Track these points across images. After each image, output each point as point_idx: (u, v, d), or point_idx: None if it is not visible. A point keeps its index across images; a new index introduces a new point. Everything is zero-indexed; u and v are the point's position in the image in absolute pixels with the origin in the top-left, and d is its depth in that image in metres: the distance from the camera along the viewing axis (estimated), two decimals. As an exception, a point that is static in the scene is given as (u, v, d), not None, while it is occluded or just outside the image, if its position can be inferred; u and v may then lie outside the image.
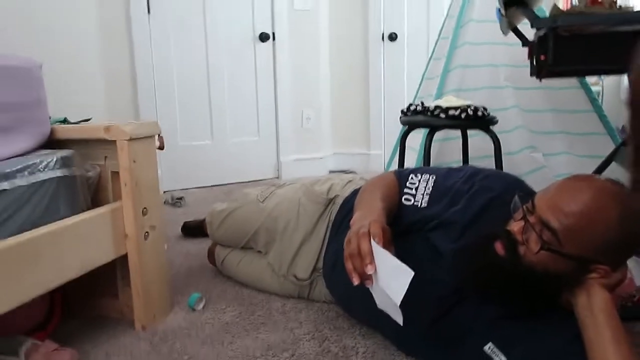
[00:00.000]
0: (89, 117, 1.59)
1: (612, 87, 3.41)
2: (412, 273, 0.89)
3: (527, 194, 1.02)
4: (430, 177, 1.23)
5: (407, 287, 0.89)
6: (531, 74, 1.64)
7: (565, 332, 0.94)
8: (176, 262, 1.88)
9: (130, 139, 1.32)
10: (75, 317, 1.45)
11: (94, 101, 2.82)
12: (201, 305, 1.51)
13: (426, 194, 1.20)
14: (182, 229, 2.21)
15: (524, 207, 0.97)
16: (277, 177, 3.53)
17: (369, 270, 0.94)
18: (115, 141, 1.32)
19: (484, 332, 1.03)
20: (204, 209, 2.61)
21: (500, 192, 1.12)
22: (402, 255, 1.17)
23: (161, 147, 2.52)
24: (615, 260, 0.92)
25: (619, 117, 3.18)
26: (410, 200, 1.22)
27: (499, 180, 1.17)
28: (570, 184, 0.94)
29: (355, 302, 1.34)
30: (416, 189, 1.22)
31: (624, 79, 3.15)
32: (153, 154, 1.42)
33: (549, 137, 2.44)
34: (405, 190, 1.23)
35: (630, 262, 1.48)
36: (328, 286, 1.43)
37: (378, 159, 3.68)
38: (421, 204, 1.20)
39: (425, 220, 1.17)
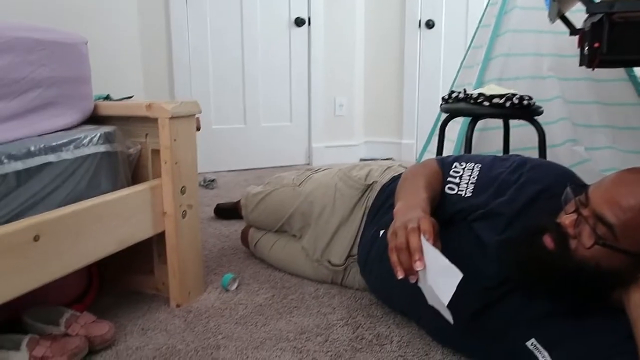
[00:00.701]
0: (131, 95, 1.59)
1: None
2: (461, 275, 0.86)
3: (580, 186, 0.98)
4: (476, 166, 1.19)
5: (455, 287, 0.86)
6: (581, 64, 1.57)
7: (616, 332, 0.90)
8: (209, 243, 1.89)
9: (172, 117, 1.31)
10: (111, 292, 1.47)
11: (132, 81, 2.84)
12: (234, 286, 1.51)
13: (471, 183, 1.16)
14: (215, 210, 2.22)
15: (577, 199, 0.93)
16: (308, 164, 3.52)
17: (418, 267, 0.91)
18: (156, 119, 1.32)
19: (528, 327, 0.99)
20: (236, 192, 2.62)
21: (549, 184, 1.08)
22: (445, 245, 1.14)
23: (198, 128, 2.53)
24: None
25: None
26: (454, 189, 1.18)
27: (548, 172, 1.12)
28: (629, 177, 0.89)
29: (391, 290, 1.32)
30: (460, 177, 1.19)
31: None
32: (193, 134, 1.41)
33: (593, 130, 2.36)
34: (449, 179, 1.19)
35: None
36: (362, 273, 1.41)
37: (410, 149, 3.64)
38: (465, 193, 1.16)
39: (469, 209, 1.13)
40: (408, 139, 3.66)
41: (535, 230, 0.96)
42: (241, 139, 3.32)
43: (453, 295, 0.88)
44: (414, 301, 1.23)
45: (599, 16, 1.44)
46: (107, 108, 1.40)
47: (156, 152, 1.36)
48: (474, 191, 1.15)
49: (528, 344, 0.99)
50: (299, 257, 1.55)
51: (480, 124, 2.18)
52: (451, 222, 1.15)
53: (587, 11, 1.43)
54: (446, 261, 0.89)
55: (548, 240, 0.93)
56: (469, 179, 1.17)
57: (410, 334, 1.26)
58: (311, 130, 3.51)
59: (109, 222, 1.20)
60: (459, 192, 1.17)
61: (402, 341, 1.23)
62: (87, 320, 1.19)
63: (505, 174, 1.14)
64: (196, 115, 1.45)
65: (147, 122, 1.35)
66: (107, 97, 1.49)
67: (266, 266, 1.67)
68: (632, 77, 2.34)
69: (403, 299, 1.28)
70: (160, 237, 1.38)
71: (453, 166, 1.22)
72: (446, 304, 0.88)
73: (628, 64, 2.04)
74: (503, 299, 1.04)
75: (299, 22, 3.34)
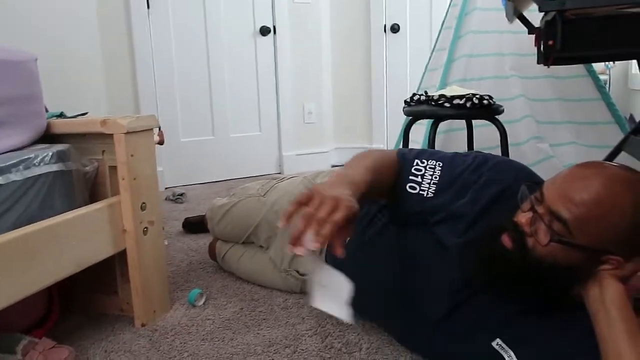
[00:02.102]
0: (85, 112, 1.55)
1: (619, 75, 3.36)
2: (350, 286, 0.86)
3: (535, 183, 0.97)
4: (437, 164, 1.14)
5: (346, 298, 0.86)
6: (538, 62, 1.59)
7: (578, 329, 0.90)
8: (177, 258, 1.85)
9: (128, 133, 1.29)
10: (74, 314, 1.43)
11: (95, 97, 2.79)
12: (202, 301, 1.48)
13: (433, 183, 1.11)
14: (183, 225, 2.18)
15: (532, 197, 0.93)
16: (279, 173, 3.50)
17: (312, 246, 0.82)
18: (112, 135, 1.29)
19: (494, 327, 1.00)
20: (206, 205, 2.58)
21: (509, 182, 1.08)
22: (407, 250, 1.14)
23: (161, 142, 2.50)
24: (628, 251, 0.87)
25: (627, 105, 3.14)
26: (415, 188, 1.12)
27: (509, 170, 1.11)
28: (580, 172, 0.89)
29: (357, 298, 1.31)
30: (422, 176, 1.12)
31: (633, 65, 3.10)
32: (151, 148, 1.39)
33: (556, 127, 2.39)
34: (411, 177, 1.12)
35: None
36: None
37: (382, 153, 3.64)
38: (427, 193, 1.11)
39: (431, 211, 1.12)
40: (378, 143, 3.67)
41: (494, 230, 0.96)
42: (211, 150, 3.29)
43: (413, 294, 0.87)
44: (380, 308, 1.23)
45: (552, 14, 1.46)
46: (61, 126, 1.37)
47: (114, 169, 1.33)
48: (436, 191, 1.11)
49: (494, 344, 0.99)
50: (267, 268, 1.53)
51: (445, 125, 2.20)
52: (412, 224, 1.15)
53: (540, 10, 1.45)
54: (338, 273, 0.89)
55: (506, 240, 0.93)
56: (431, 179, 1.12)
57: (380, 340, 1.25)
58: (281, 139, 3.49)
59: (66, 242, 1.17)
60: (421, 192, 1.11)
61: (371, 348, 1.22)
62: (45, 347, 1.15)
63: (466, 173, 1.13)
64: (159, 129, 1.42)
65: (104, 138, 1.32)
66: (61, 115, 1.45)
67: (235, 279, 1.64)
68: (591, 73, 2.39)
69: (369, 307, 1.26)
70: (122, 256, 1.35)
71: (415, 163, 1.14)
72: (345, 318, 0.86)
73: (583, 61, 2.08)
74: (468, 302, 1.03)
75: (264, 31, 3.33)
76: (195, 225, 2.13)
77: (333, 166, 3.68)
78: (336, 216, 0.82)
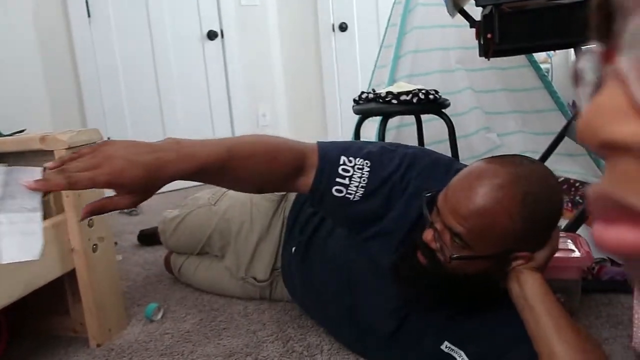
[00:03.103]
0: (22, 129, 1.50)
1: (561, 64, 3.48)
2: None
3: (433, 195, 0.94)
4: (365, 164, 1.01)
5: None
6: (480, 54, 1.63)
7: (514, 322, 0.91)
8: (133, 272, 1.81)
9: (69, 148, 1.24)
10: (25, 338, 1.38)
11: (38, 113, 2.69)
12: (159, 316, 1.45)
13: (361, 186, 1.00)
14: (138, 237, 2.13)
15: (433, 212, 0.91)
16: (237, 177, 3.46)
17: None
18: (52, 152, 1.25)
19: (439, 332, 1.02)
20: (157, 216, 2.53)
21: (435, 193, 1.01)
22: (347, 266, 1.13)
23: (109, 155, 2.42)
24: (533, 243, 0.88)
25: (569, 93, 3.25)
26: (342, 191, 1.00)
27: (434, 178, 1.03)
28: (464, 183, 0.87)
29: (310, 306, 1.32)
30: (350, 178, 1.00)
31: (572, 54, 3.21)
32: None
33: (503, 117, 2.45)
34: (338, 179, 0.99)
35: (588, 236, 1.49)
36: (286, 286, 1.39)
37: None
38: (354, 197, 1.00)
39: (359, 218, 1.04)
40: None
41: (411, 247, 0.95)
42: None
43: (360, 311, 0.86)
44: (329, 319, 1.23)
45: (489, 8, 1.50)
46: (-3, 145, 1.31)
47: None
48: (362, 196, 1.01)
49: (443, 347, 1.02)
50: (224, 277, 1.51)
51: (395, 121, 2.22)
52: (344, 233, 1.15)
53: (477, 4, 1.48)
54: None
55: (420, 257, 0.93)
56: (359, 182, 1.00)
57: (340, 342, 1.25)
58: (236, 144, 3.45)
59: (10, 265, 1.12)
60: (347, 196, 1.00)
61: (333, 349, 1.22)
62: (-7, 376, 1.10)
63: (395, 177, 1.02)
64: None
65: (44, 155, 1.27)
66: (-3, 134, 1.39)
67: (193, 290, 1.62)
68: (533, 63, 2.46)
69: (319, 316, 1.27)
70: (72, 275, 1.30)
71: (341, 162, 1.00)
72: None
73: (521, 52, 2.13)
74: (411, 315, 1.05)
75: (212, 35, 3.29)
76: (150, 238, 2.08)
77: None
78: (82, 176, 0.70)
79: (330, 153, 1.00)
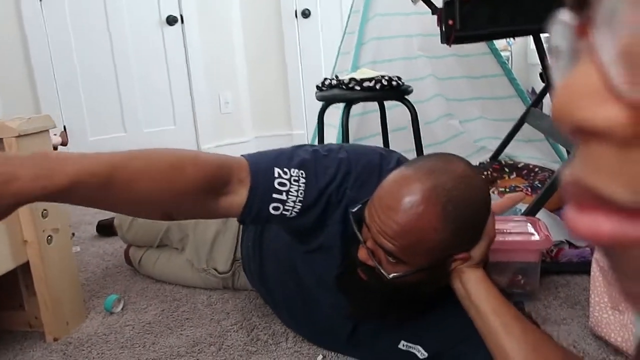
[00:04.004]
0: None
1: (520, 52, 3.54)
2: None
3: (360, 212, 0.90)
4: (300, 174, 0.92)
5: None
6: (441, 41, 1.64)
7: (463, 316, 0.91)
8: (91, 264, 1.76)
9: (19, 136, 1.19)
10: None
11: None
12: (120, 307, 1.41)
13: (298, 201, 0.92)
14: (97, 228, 2.07)
15: (363, 230, 0.89)
16: (200, 166, 3.40)
17: None
18: (1, 140, 1.19)
19: (393, 334, 1.03)
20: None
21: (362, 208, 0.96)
22: (298, 274, 1.11)
23: (64, 143, 2.35)
24: (467, 244, 0.88)
25: (528, 80, 3.32)
26: (279, 208, 0.91)
27: (368, 187, 0.95)
28: (384, 202, 0.84)
29: (269, 303, 1.31)
30: (287, 193, 0.91)
31: (532, 41, 3.27)
32: (49, 149, 1.29)
33: (465, 104, 2.49)
34: (275, 195, 0.90)
35: (547, 219, 1.53)
36: (247, 278, 1.37)
37: (302, 139, 3.64)
38: (291, 213, 0.92)
39: (298, 234, 1.01)
40: (298, 129, 3.66)
41: (351, 264, 0.93)
42: (123, 148, 3.11)
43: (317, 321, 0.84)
44: (290, 319, 1.23)
45: (450, -5, 1.50)
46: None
47: (7, 176, 1.23)
48: (299, 211, 0.93)
49: (400, 346, 1.03)
50: (185, 269, 1.49)
51: (359, 107, 2.22)
52: (282, 247, 1.12)
53: (438, -9, 1.49)
54: None
55: (361, 274, 0.92)
56: (297, 195, 0.91)
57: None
58: (198, 132, 3.40)
59: (-42, 260, 1.07)
60: (284, 213, 0.92)
61: (298, 337, 1.21)
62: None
63: (331, 188, 0.95)
64: (64, 129, 1.33)
65: (-6, 143, 1.21)
66: (-59, 121, 1.32)
67: (154, 281, 1.58)
68: (493, 50, 2.49)
69: (282, 315, 1.26)
70: (25, 268, 1.25)
71: (275, 174, 0.90)
72: None
73: (482, 39, 2.16)
74: (362, 321, 1.05)
75: (171, 20, 3.20)
76: (109, 228, 2.02)
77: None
78: None
79: (261, 165, 0.90)
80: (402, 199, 0.82)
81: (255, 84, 3.62)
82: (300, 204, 0.91)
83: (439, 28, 1.66)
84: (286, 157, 0.93)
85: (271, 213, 0.91)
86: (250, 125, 3.66)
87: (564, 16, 0.23)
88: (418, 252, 0.84)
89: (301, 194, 0.91)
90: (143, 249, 1.59)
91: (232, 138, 3.53)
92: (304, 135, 3.64)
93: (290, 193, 0.90)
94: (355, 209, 0.91)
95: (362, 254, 0.89)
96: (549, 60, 0.26)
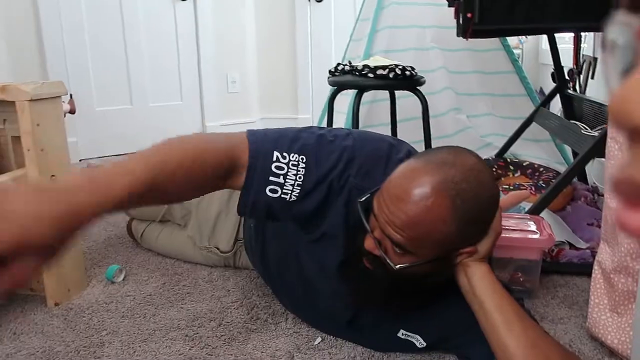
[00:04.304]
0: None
1: (531, 51, 3.52)
2: None
3: (368, 201, 0.90)
4: (300, 159, 0.92)
5: None
6: (457, 34, 1.63)
7: (464, 308, 0.92)
8: (93, 233, 1.76)
9: (32, 100, 1.19)
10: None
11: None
12: (121, 277, 1.42)
13: (297, 185, 0.92)
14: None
15: (370, 219, 0.89)
16: (203, 143, 3.40)
17: None
18: (14, 103, 1.19)
19: (393, 323, 1.04)
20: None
21: (374, 190, 0.95)
22: (300, 260, 1.11)
23: (72, 111, 2.35)
24: (474, 238, 0.88)
25: (537, 80, 3.31)
26: (277, 191, 0.91)
27: (373, 175, 0.97)
28: (394, 193, 0.84)
29: (270, 285, 1.31)
30: (285, 176, 0.91)
31: (543, 41, 3.25)
32: (59, 117, 1.29)
33: (474, 99, 2.48)
34: (271, 178, 0.90)
35: (549, 219, 1.54)
36: (249, 259, 1.38)
37: (307, 123, 3.63)
38: (290, 197, 0.92)
39: (301, 221, 0.99)
40: (304, 113, 3.65)
41: (356, 253, 0.93)
42: (129, 120, 3.13)
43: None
44: (293, 304, 1.23)
45: (471, -13, 1.49)
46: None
47: (17, 139, 1.23)
48: (299, 195, 0.93)
49: (399, 334, 1.04)
50: (186, 245, 1.49)
51: (369, 95, 2.21)
52: (289, 236, 1.11)
53: (459, -18, 1.48)
54: None
55: (366, 263, 0.92)
56: (295, 179, 0.92)
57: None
58: (204, 109, 3.39)
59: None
60: (283, 196, 0.92)
61: (297, 318, 1.22)
62: (-56, 332, 1.06)
63: (333, 175, 0.95)
64: (70, 97, 1.33)
65: (4, 106, 1.21)
66: (-46, 79, 1.31)
67: (155, 254, 1.59)
68: (506, 47, 2.48)
69: (282, 297, 1.27)
70: (30, 232, 1.26)
71: (274, 158, 0.91)
72: None
73: (500, 34, 2.15)
74: (362, 309, 1.06)
75: (184, -5, 3.18)
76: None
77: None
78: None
79: (261, 148, 0.90)
80: (412, 190, 0.82)
81: (263, 65, 3.61)
82: (299, 188, 0.92)
83: (455, 20, 1.66)
84: (289, 139, 0.93)
85: (269, 196, 0.91)
86: (256, 106, 3.65)
87: (623, 17, 0.23)
88: (426, 244, 0.84)
89: (300, 178, 0.92)
90: (146, 222, 1.59)
91: (237, 118, 3.52)
92: (310, 119, 3.63)
93: (288, 177, 0.91)
94: (363, 198, 0.91)
95: (369, 243, 0.89)
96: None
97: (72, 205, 0.63)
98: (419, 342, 1.03)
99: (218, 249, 1.43)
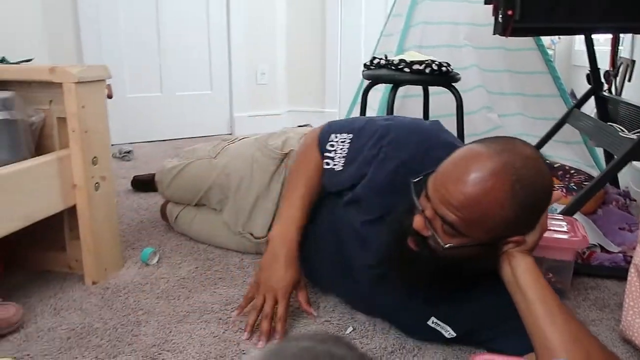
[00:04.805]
0: (30, 57, 1.45)
1: (563, 52, 3.48)
2: None
3: (421, 180, 0.93)
4: (347, 137, 1.17)
5: None
6: (495, 32, 1.62)
7: (501, 297, 0.93)
8: (126, 217, 1.80)
9: (78, 82, 1.22)
10: (20, 272, 1.37)
11: (33, 46, 2.61)
12: (155, 260, 1.45)
13: (342, 156, 1.16)
14: (132, 183, 2.11)
15: (422, 197, 0.91)
16: (230, 134, 3.43)
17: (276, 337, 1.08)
18: (61, 84, 1.22)
19: (425, 306, 1.04)
20: (154, 163, 2.51)
21: (405, 159, 1.07)
22: (335, 225, 1.17)
23: (110, 96, 2.38)
24: (525, 228, 0.89)
25: (569, 81, 3.26)
26: (329, 164, 1.17)
27: (406, 146, 1.08)
28: (455, 171, 0.85)
29: (312, 266, 1.32)
30: (335, 151, 1.18)
31: (576, 42, 3.21)
32: (103, 100, 1.32)
33: (505, 98, 2.46)
34: (326, 154, 1.18)
35: (581, 222, 1.52)
36: None
37: (333, 117, 3.63)
38: (338, 166, 1.16)
39: (340, 186, 1.16)
40: (331, 107, 3.66)
41: (400, 232, 0.95)
42: (159, 108, 3.17)
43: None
44: (329, 277, 1.25)
45: (512, -16, 1.48)
46: (3, 72, 1.27)
47: (62, 121, 1.26)
48: (343, 165, 1.15)
49: (429, 322, 1.04)
50: (221, 230, 1.51)
51: (401, 91, 2.21)
52: (330, 199, 1.20)
53: (502, -21, 1.47)
54: None
55: (412, 243, 0.93)
56: (341, 152, 1.16)
57: (336, 299, 1.27)
58: (233, 99, 3.42)
59: (12, 196, 1.11)
60: (333, 167, 1.16)
61: (328, 306, 1.24)
62: (-10, 303, 1.09)
63: (368, 147, 1.12)
64: (107, 82, 1.35)
65: (51, 87, 1.24)
66: (3, 60, 1.35)
67: (188, 238, 1.62)
68: (540, 47, 2.45)
69: (322, 276, 1.28)
70: (71, 212, 1.29)
71: (330, 138, 1.19)
72: None
73: (539, 33, 2.13)
74: (390, 284, 1.06)
75: (217, -15, 3.20)
76: (144, 184, 2.06)
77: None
78: (280, 310, 1.09)
79: (324, 130, 1.23)
80: (472, 171, 0.83)
81: (292, 58, 3.62)
82: (343, 159, 1.16)
83: (491, 18, 1.64)
84: (341, 125, 1.22)
85: (324, 168, 1.18)
86: (284, 99, 3.67)
87: None
88: (479, 226, 0.85)
89: (344, 151, 1.16)
90: (181, 206, 1.62)
91: (265, 109, 3.54)
92: (336, 113, 3.64)
93: (337, 151, 1.17)
94: (417, 179, 0.93)
95: (419, 222, 0.90)
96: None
97: (290, 249, 1.14)
98: (448, 332, 1.03)
99: (252, 234, 1.45)
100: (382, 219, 1.05)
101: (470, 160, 0.85)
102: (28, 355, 1.02)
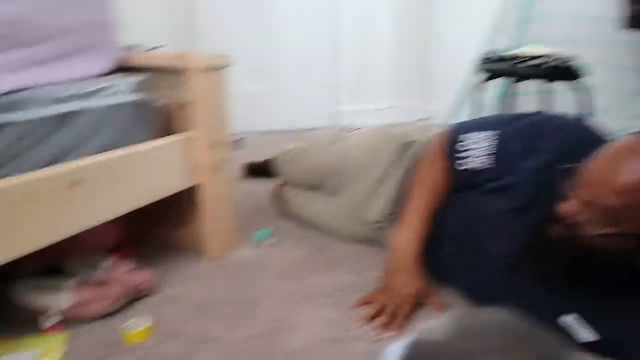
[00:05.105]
0: (160, 45, 1.55)
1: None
2: None
3: (571, 167, 0.90)
4: (492, 134, 1.14)
5: None
6: (626, 26, 1.50)
7: None
8: (237, 201, 1.86)
9: (205, 69, 1.28)
10: (146, 246, 1.46)
11: (156, 33, 2.78)
12: (269, 241, 1.49)
13: (488, 153, 1.13)
14: (245, 169, 2.19)
15: (573, 184, 0.88)
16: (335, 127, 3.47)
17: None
18: (187, 70, 1.28)
19: (560, 305, 0.97)
20: (263, 152, 2.58)
21: (556, 151, 1.04)
22: (457, 223, 1.17)
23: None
24: None
25: None
26: (462, 164, 1.17)
27: (558, 138, 1.06)
28: (619, 154, 0.82)
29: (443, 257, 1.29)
30: (471, 149, 1.16)
31: None
32: (224, 87, 1.38)
33: (634, 97, 2.28)
34: (456, 154, 1.18)
35: None
36: None
37: (436, 114, 3.56)
38: (478, 164, 1.14)
39: (485, 180, 1.13)
40: (437, 103, 3.58)
41: (544, 220, 0.93)
42: (265, 100, 3.27)
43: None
44: (460, 266, 1.21)
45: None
46: (135, 58, 1.36)
47: (184, 105, 1.33)
48: (494, 162, 1.12)
49: (568, 319, 0.96)
50: (335, 215, 1.53)
51: (515, 87, 2.12)
52: (461, 194, 1.19)
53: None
54: None
55: (554, 231, 0.90)
56: (486, 149, 1.13)
57: (448, 294, 1.23)
58: (339, 93, 3.46)
59: (144, 172, 1.19)
60: (472, 166, 1.15)
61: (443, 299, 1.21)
62: (127, 268, 1.18)
63: (518, 141, 1.11)
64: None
65: (177, 73, 1.31)
66: (136, 47, 1.45)
67: (299, 224, 1.65)
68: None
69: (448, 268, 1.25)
70: (194, 191, 1.36)
71: (461, 140, 1.18)
72: None
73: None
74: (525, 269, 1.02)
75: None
76: (256, 170, 2.13)
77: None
78: (405, 309, 1.12)
79: (451, 136, 1.21)
80: (633, 159, 0.80)
81: (397, 54, 3.59)
82: (489, 156, 1.13)
83: (621, 11, 1.52)
84: (484, 122, 1.20)
85: (456, 169, 1.17)
86: (389, 94, 3.65)
87: None
88: (634, 214, 0.80)
89: (492, 147, 1.13)
90: (295, 189, 1.66)
91: (370, 104, 3.55)
92: (439, 110, 3.56)
93: (476, 150, 1.15)
94: (566, 167, 0.90)
95: (568, 208, 0.87)
96: None
97: (414, 259, 1.19)
98: (586, 335, 0.94)
99: (368, 220, 1.44)
100: (525, 210, 1.03)
101: (629, 148, 0.82)
102: (161, 318, 1.09)
